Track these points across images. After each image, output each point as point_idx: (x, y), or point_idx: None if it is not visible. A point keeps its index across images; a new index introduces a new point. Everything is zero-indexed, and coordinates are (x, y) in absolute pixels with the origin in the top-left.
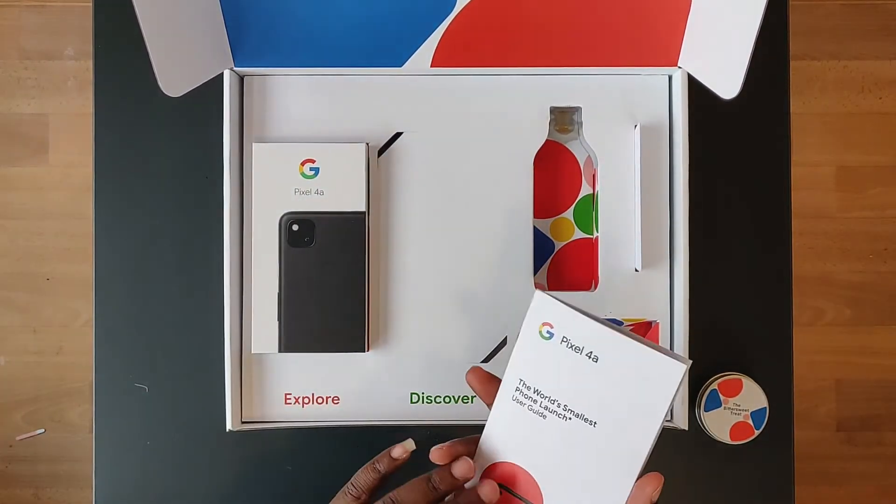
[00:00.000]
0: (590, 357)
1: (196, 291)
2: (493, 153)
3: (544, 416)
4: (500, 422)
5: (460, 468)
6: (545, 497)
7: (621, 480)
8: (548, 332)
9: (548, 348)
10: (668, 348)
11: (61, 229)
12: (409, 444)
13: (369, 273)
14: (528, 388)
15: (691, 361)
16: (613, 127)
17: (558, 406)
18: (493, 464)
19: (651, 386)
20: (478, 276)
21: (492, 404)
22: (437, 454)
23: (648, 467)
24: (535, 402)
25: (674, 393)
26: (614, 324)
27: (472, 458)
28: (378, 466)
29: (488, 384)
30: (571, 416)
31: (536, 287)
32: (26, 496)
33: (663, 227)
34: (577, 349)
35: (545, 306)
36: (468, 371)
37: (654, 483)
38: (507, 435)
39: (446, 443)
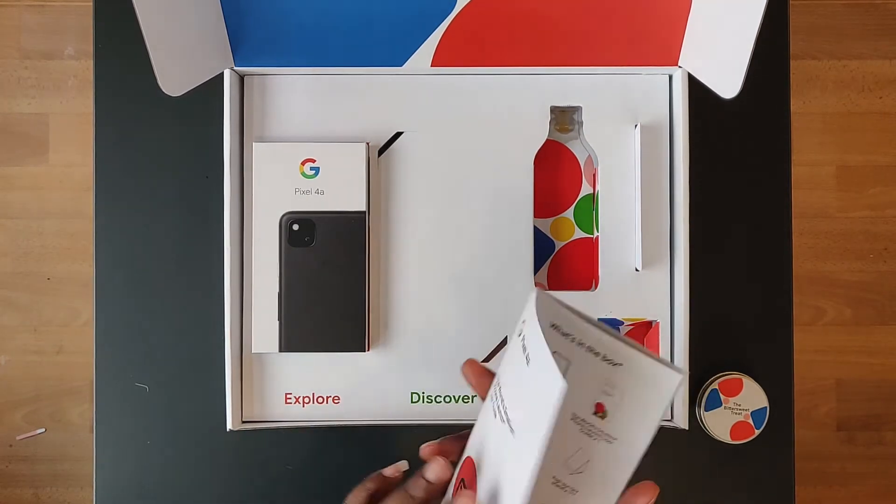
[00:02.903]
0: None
1: (196, 291)
2: (493, 153)
3: None
4: (478, 430)
5: (433, 471)
6: None
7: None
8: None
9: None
10: (670, 347)
11: (61, 229)
12: (403, 465)
13: (369, 273)
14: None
15: (687, 371)
16: (614, 126)
17: None
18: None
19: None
20: (478, 276)
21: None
22: (426, 450)
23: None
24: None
25: (670, 401)
26: (606, 324)
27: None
28: (368, 485)
29: (483, 378)
30: None
31: (537, 286)
32: (26, 496)
33: (663, 227)
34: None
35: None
36: (464, 363)
37: (650, 494)
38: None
39: (436, 440)
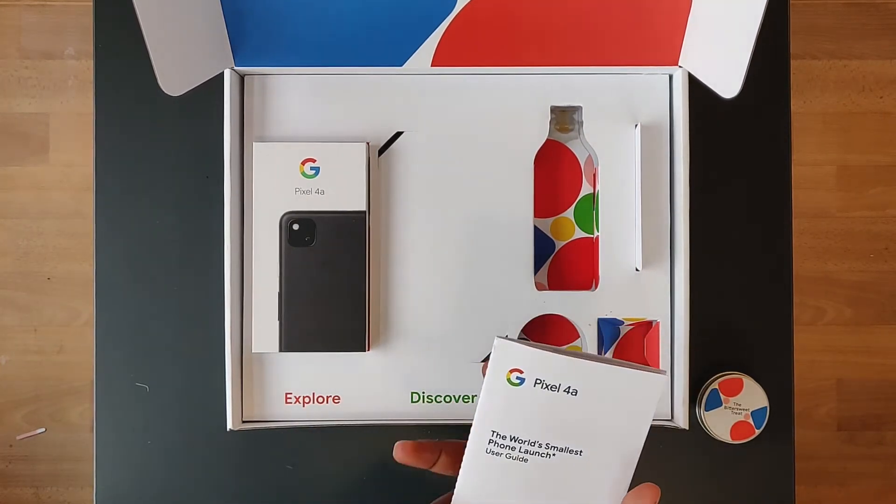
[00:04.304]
0: (568, 392)
1: (196, 291)
2: (494, 153)
3: (525, 460)
4: (476, 476)
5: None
6: None
7: (614, 490)
8: (517, 377)
9: (520, 394)
10: (670, 347)
11: (62, 229)
12: None
13: (369, 272)
14: (504, 437)
15: (666, 371)
16: (614, 126)
17: (539, 447)
18: None
19: (633, 403)
20: (478, 276)
21: (431, 468)
22: (400, 450)
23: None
24: (513, 449)
25: (655, 405)
26: (575, 349)
27: (437, 461)
28: None
29: (421, 452)
30: (555, 451)
31: (497, 338)
32: (26, 495)
33: (663, 227)
34: (554, 387)
35: (510, 352)
36: (395, 451)
37: (652, 496)
38: (487, 486)
39: (412, 441)
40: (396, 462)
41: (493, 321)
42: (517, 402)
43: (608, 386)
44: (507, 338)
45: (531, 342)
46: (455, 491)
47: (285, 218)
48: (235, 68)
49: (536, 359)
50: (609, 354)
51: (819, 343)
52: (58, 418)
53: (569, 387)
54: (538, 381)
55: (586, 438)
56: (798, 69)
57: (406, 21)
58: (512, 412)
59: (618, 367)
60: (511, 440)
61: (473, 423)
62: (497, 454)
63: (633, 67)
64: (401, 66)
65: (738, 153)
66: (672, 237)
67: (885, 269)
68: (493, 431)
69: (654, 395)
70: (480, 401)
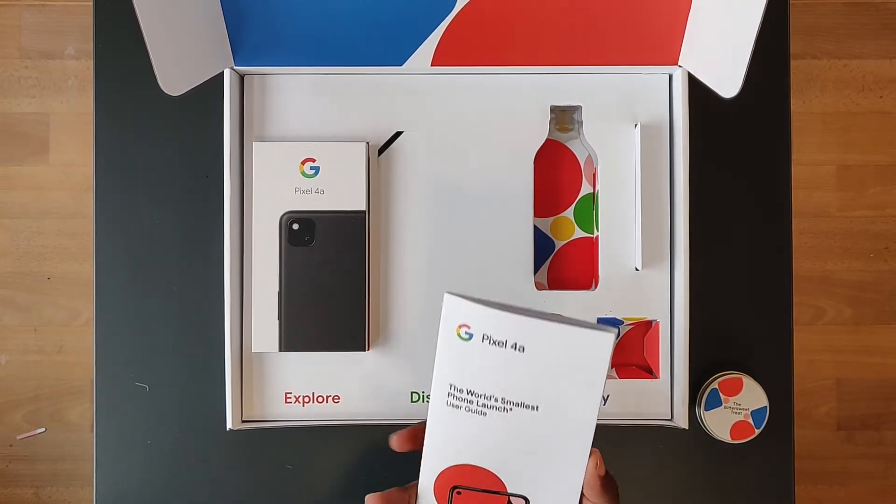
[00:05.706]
0: (515, 348)
1: (196, 291)
2: (494, 152)
3: (484, 414)
4: (439, 429)
5: None
6: (507, 483)
7: (576, 449)
8: (466, 332)
9: (470, 349)
10: (670, 347)
11: (62, 229)
12: None
13: (369, 272)
14: (461, 390)
15: (617, 329)
16: (614, 126)
17: (496, 401)
18: (444, 469)
19: (584, 360)
20: (478, 275)
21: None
22: (396, 439)
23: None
24: (470, 402)
25: (608, 362)
26: (532, 309)
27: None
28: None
29: (414, 439)
30: (512, 406)
31: (447, 293)
32: (26, 495)
33: (663, 227)
34: (501, 343)
35: (458, 308)
36: (391, 442)
37: (594, 457)
38: (451, 439)
39: (405, 430)
40: (395, 453)
41: None
42: (468, 356)
43: (554, 344)
44: (457, 294)
45: (482, 299)
46: (424, 442)
47: (285, 218)
48: (235, 68)
49: (482, 314)
50: None
51: (819, 343)
52: (58, 418)
53: (515, 343)
54: (485, 337)
55: (540, 396)
56: (798, 69)
57: (406, 21)
58: (465, 366)
59: (561, 325)
60: (468, 394)
61: (433, 374)
62: (457, 406)
63: (632, 67)
64: (401, 66)
65: (738, 153)
66: (672, 237)
67: (884, 268)
68: (451, 384)
69: (604, 354)
70: (437, 354)
